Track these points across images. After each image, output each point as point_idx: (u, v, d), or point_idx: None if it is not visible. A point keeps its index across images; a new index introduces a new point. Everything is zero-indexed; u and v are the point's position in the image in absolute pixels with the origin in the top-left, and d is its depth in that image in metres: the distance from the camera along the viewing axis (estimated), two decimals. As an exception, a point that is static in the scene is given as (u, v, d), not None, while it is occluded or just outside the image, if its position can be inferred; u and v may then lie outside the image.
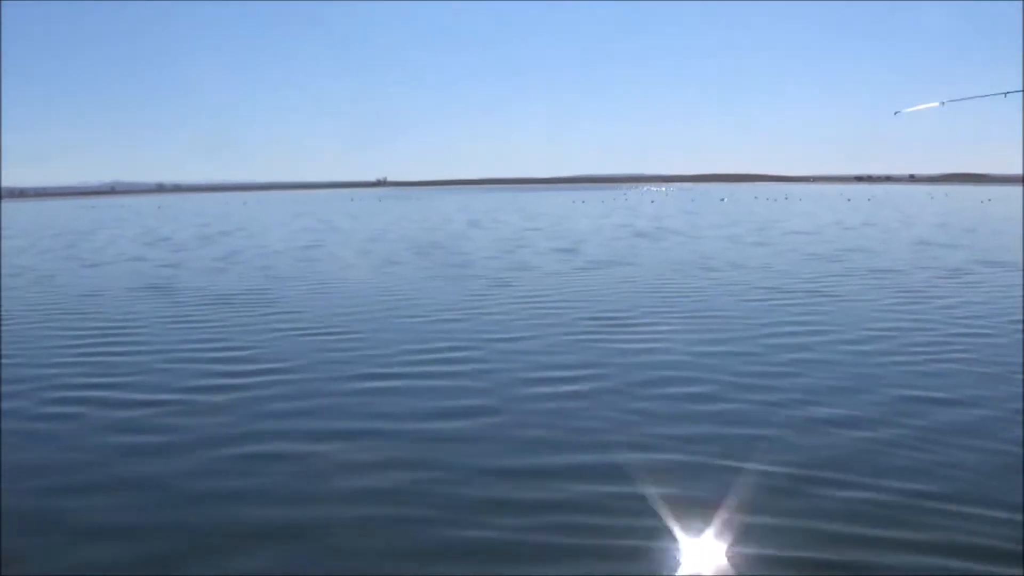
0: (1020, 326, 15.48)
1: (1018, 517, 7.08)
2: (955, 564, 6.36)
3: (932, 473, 8.07)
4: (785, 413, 10.02)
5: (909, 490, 7.67)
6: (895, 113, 11.66)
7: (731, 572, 6.32)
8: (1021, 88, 9.06)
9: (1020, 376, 11.53)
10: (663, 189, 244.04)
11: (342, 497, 7.79)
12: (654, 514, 7.26)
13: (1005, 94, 8.98)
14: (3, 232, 58.26)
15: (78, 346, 15.05)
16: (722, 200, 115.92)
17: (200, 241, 43.96)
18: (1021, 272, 24.24)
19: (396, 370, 12.58)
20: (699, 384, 11.44)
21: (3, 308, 19.85)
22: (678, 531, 6.95)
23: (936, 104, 10.12)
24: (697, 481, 7.94)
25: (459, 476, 8.21)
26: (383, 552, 6.74)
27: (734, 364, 12.59)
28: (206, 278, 25.38)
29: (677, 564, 6.46)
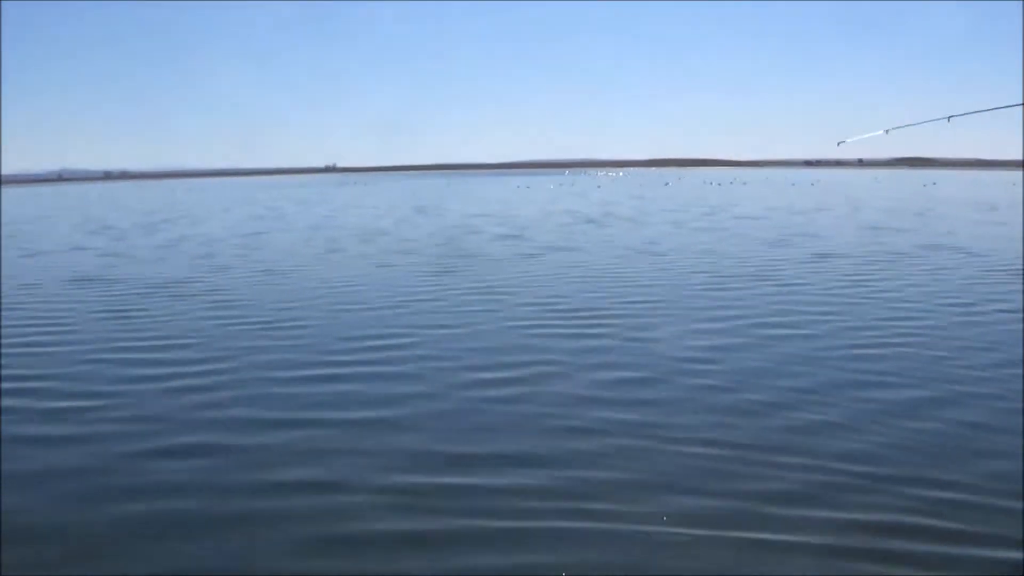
0: (970, 310, 15.75)
1: (963, 495, 7.24)
2: (894, 543, 6.44)
3: (877, 455, 8.15)
4: (730, 400, 10.10)
5: (850, 471, 7.77)
6: (838, 144, 11.84)
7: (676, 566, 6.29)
8: (965, 112, 9.13)
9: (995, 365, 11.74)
10: (612, 174, 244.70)
11: (265, 493, 7.67)
12: (590, 513, 7.26)
13: (948, 118, 9.06)
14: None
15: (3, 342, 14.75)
16: (666, 184, 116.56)
17: (142, 229, 43.28)
18: (970, 257, 24.66)
19: (333, 365, 12.40)
20: (641, 372, 11.47)
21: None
22: (618, 533, 6.92)
23: (880, 132, 10.26)
24: (636, 471, 7.96)
25: (387, 474, 8.13)
26: (303, 547, 6.67)
27: (679, 352, 12.61)
28: (146, 268, 24.97)
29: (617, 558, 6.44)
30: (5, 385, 11.52)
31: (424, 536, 6.79)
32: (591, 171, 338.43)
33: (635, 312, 16.00)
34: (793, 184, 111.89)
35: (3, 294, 20.27)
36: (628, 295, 18.00)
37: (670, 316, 15.49)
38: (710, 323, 14.72)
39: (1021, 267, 21.83)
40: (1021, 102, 8.09)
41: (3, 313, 17.53)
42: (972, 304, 16.35)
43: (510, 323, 15.14)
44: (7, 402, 10.73)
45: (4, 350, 13.84)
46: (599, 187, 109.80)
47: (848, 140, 11.38)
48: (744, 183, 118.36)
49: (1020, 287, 18.38)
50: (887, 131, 10.12)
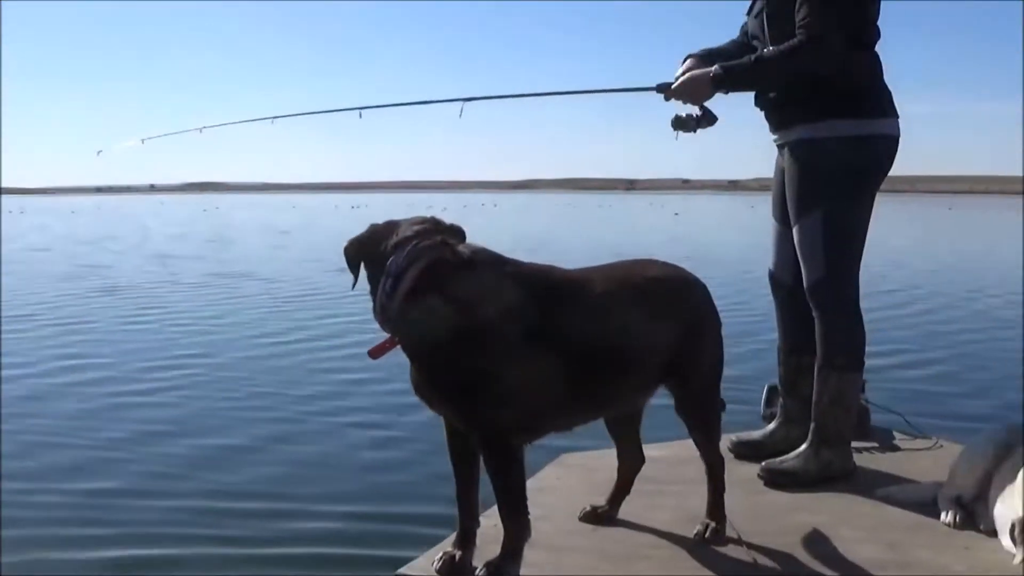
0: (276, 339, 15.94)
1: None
2: None
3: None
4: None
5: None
6: (98, 153, 11.24)
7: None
8: (218, 123, 9.02)
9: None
10: None
11: None
12: None
13: (201, 129, 8.87)
14: None
15: None
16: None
17: None
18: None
19: None
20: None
21: None
22: None
23: (137, 141, 9.88)
24: None
25: None
26: None
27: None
28: None
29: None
30: None
31: None
32: None
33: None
34: (73, 212, 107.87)
35: None
36: None
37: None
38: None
39: (312, 291, 22.64)
40: (271, 117, 7.92)
41: None
42: (277, 333, 16.53)
43: None
44: None
45: None
46: None
47: (108, 149, 10.88)
48: (24, 211, 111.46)
49: (312, 312, 19.04)
50: (143, 140, 9.82)
